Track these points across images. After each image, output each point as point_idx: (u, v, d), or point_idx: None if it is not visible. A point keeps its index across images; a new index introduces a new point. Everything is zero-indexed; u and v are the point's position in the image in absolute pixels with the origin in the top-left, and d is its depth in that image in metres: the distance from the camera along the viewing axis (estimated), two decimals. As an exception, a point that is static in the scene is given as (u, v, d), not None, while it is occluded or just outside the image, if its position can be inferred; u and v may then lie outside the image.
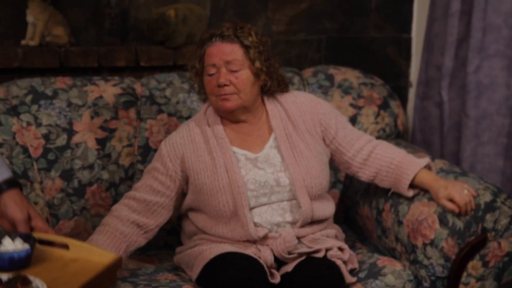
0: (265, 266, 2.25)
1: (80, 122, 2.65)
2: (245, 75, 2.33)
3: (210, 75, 2.34)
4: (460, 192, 2.36)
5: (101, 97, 2.69)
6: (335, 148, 2.48)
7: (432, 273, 2.39)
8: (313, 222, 2.37)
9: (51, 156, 2.62)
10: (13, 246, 1.89)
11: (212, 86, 2.34)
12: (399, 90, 3.24)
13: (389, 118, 2.96)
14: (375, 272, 2.38)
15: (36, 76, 2.74)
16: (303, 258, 2.31)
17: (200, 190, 2.35)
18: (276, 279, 2.26)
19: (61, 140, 2.63)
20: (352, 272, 2.39)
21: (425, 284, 2.40)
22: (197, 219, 2.40)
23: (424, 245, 2.39)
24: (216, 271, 2.22)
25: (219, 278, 2.19)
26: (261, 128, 2.42)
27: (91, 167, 2.64)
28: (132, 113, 2.71)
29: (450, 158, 2.97)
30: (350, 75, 2.98)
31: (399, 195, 2.51)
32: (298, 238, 2.34)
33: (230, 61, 2.32)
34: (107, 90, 2.71)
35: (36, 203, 2.57)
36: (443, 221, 2.38)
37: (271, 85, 2.40)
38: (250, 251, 2.29)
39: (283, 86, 2.45)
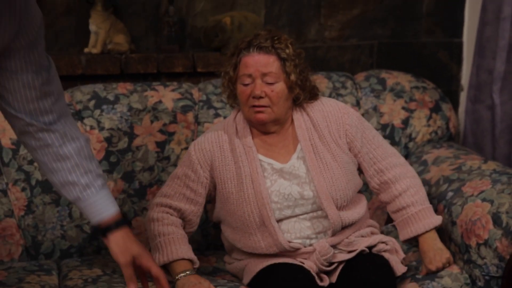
0: (311, 270, 2.23)
1: (140, 126, 2.69)
2: (280, 87, 2.28)
3: (245, 85, 2.29)
4: (437, 265, 2.34)
5: (160, 101, 2.73)
6: (359, 163, 2.42)
7: (486, 272, 2.35)
8: (344, 227, 2.33)
9: (113, 159, 2.66)
10: None
11: (246, 96, 2.29)
12: (450, 94, 3.20)
13: (441, 121, 2.93)
14: (432, 274, 2.35)
15: (99, 82, 2.80)
16: (344, 264, 2.28)
17: (226, 200, 2.32)
18: (325, 282, 2.25)
19: (123, 143, 2.67)
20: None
21: (479, 284, 2.36)
22: (227, 232, 2.38)
23: (478, 245, 2.36)
24: (265, 282, 2.22)
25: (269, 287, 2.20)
26: (287, 139, 2.36)
27: (151, 169, 2.68)
28: (190, 117, 2.74)
29: (502, 160, 2.92)
30: (402, 79, 2.96)
31: (453, 196, 2.48)
32: (333, 245, 2.30)
33: (267, 73, 2.26)
34: (166, 95, 2.75)
35: (99, 204, 2.62)
36: (497, 222, 2.34)
37: (303, 98, 2.35)
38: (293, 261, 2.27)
39: (313, 95, 2.39)
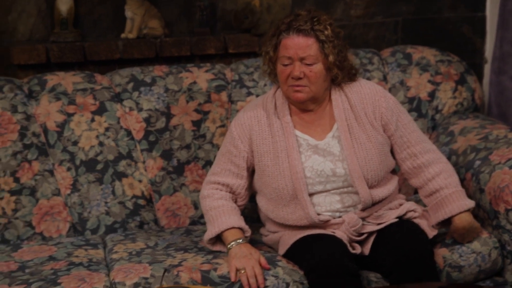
0: (343, 239, 2.22)
1: (176, 106, 2.68)
2: (318, 68, 2.25)
3: (284, 65, 2.26)
4: (469, 240, 2.31)
5: (195, 82, 2.72)
6: (391, 145, 2.37)
7: (515, 237, 2.32)
8: (374, 203, 2.30)
9: (152, 138, 2.66)
10: None
11: (285, 76, 2.27)
12: (474, 67, 3.14)
13: (467, 93, 2.88)
14: (459, 239, 2.33)
15: (135, 66, 2.79)
16: (375, 236, 2.25)
17: (263, 172, 2.31)
18: (357, 250, 2.23)
19: (160, 123, 2.67)
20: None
21: (509, 248, 2.33)
22: (261, 202, 2.38)
23: (507, 210, 2.32)
24: (299, 252, 2.22)
25: (304, 258, 2.19)
26: (323, 118, 2.34)
27: (188, 147, 2.67)
28: (223, 96, 2.73)
29: (527, 130, 2.87)
30: (427, 53, 2.91)
31: (481, 165, 2.44)
32: (362, 218, 2.28)
33: (305, 56, 2.23)
34: (200, 76, 2.73)
35: (140, 181, 2.62)
36: (524, 188, 2.30)
37: (341, 77, 2.31)
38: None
39: (351, 75, 2.35)
